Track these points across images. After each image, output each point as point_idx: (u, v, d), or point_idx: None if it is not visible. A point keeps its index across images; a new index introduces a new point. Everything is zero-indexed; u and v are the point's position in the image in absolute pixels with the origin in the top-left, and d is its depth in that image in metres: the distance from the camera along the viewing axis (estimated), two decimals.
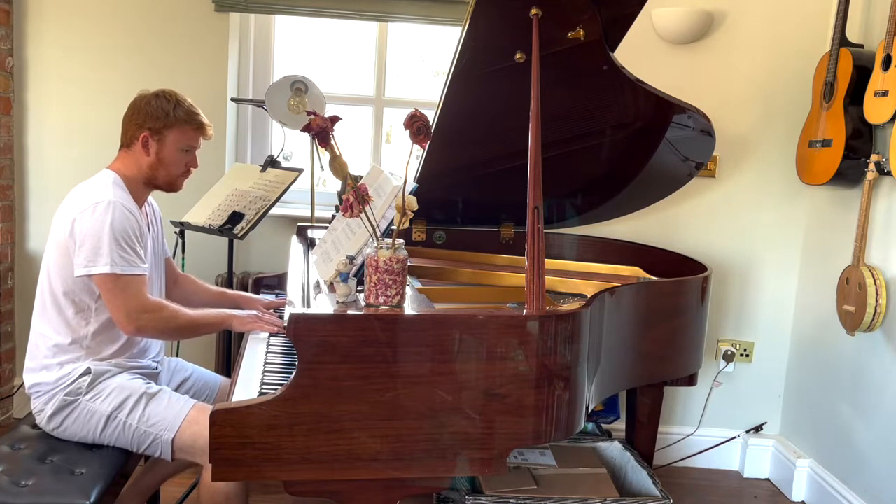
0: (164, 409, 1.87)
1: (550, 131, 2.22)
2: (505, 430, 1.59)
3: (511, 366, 1.57)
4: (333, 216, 2.41)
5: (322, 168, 2.90)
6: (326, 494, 1.61)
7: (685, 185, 2.77)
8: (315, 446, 1.52)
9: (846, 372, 2.73)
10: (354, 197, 1.58)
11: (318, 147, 2.03)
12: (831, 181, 2.64)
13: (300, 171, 2.74)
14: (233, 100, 3.03)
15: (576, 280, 2.32)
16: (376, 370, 1.52)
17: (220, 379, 2.25)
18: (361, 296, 1.66)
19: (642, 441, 2.64)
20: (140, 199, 2.00)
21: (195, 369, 2.24)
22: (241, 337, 2.23)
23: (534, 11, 1.83)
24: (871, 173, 2.46)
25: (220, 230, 2.58)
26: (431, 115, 2.17)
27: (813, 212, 3.03)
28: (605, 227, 3.01)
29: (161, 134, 1.96)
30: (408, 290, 1.69)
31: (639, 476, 2.42)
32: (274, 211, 2.68)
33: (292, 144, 3.00)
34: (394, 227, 1.62)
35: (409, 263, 1.64)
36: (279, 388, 1.53)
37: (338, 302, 1.64)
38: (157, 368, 2.08)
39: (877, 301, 2.44)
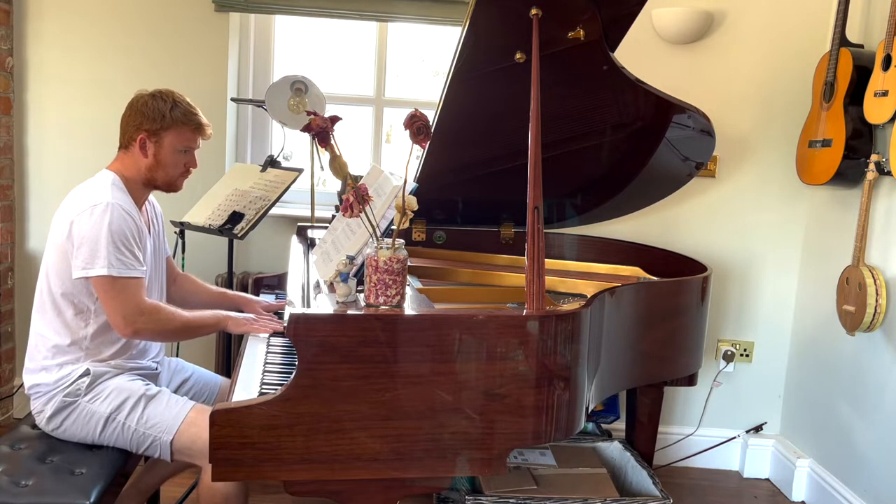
0: (163, 410, 1.86)
1: (550, 131, 2.22)
2: (505, 430, 1.59)
3: (511, 366, 1.57)
4: (333, 216, 2.41)
5: (322, 168, 2.91)
6: (326, 494, 1.61)
7: (685, 185, 2.78)
8: (315, 446, 1.52)
9: (846, 372, 2.73)
10: (354, 197, 1.58)
11: (318, 147, 2.03)
12: (831, 181, 2.64)
13: (300, 171, 2.74)
14: (233, 100, 3.03)
15: (576, 280, 2.32)
16: (376, 370, 1.52)
17: (221, 379, 2.25)
18: (361, 296, 1.66)
19: (642, 441, 2.64)
20: (140, 200, 2.00)
21: (195, 370, 2.23)
22: (241, 337, 2.23)
23: (534, 11, 1.83)
24: (871, 173, 2.46)
25: (220, 230, 2.58)
26: (431, 115, 2.17)
27: (813, 212, 3.02)
28: (605, 227, 3.01)
29: (158, 136, 1.94)
30: (408, 290, 1.69)
31: (639, 476, 2.42)
32: (274, 211, 2.68)
33: (292, 144, 3.00)
34: (394, 227, 1.62)
35: (409, 263, 1.64)
36: (279, 388, 1.53)
37: (338, 302, 1.64)
38: (156, 369, 2.08)
39: (877, 301, 2.44)
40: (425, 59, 3.34)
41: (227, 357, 2.80)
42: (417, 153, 2.42)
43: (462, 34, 2.01)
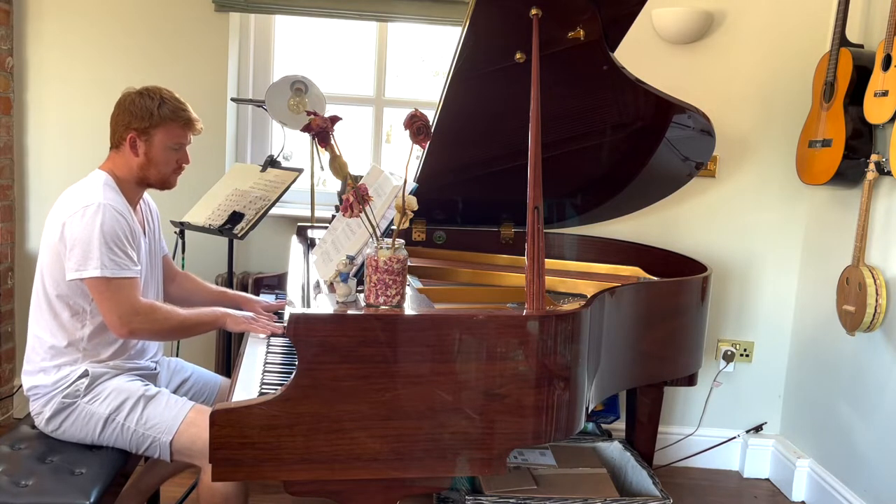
0: (163, 411, 1.86)
1: (550, 131, 2.22)
2: (505, 430, 1.59)
3: (511, 366, 1.57)
4: (333, 216, 2.41)
5: (322, 168, 2.91)
6: (326, 494, 1.61)
7: (685, 185, 2.78)
8: (315, 446, 1.52)
9: (846, 372, 2.73)
10: (354, 197, 1.58)
11: (318, 147, 2.03)
12: (831, 181, 2.64)
13: (300, 171, 2.74)
14: (233, 100, 3.03)
15: (576, 280, 2.32)
16: (376, 370, 1.52)
17: (220, 379, 2.25)
18: (361, 296, 1.66)
19: (642, 441, 2.64)
20: (133, 199, 1.99)
21: (195, 370, 2.23)
22: (241, 337, 2.23)
23: (534, 11, 1.83)
24: (871, 173, 2.46)
25: (220, 230, 2.58)
26: (431, 115, 2.17)
27: (813, 212, 3.02)
28: (605, 227, 3.01)
29: (148, 134, 1.93)
30: (408, 290, 1.69)
31: (639, 476, 2.42)
32: (274, 211, 2.68)
33: (292, 144, 3.00)
34: (394, 227, 1.62)
35: (409, 263, 1.64)
36: (279, 388, 1.53)
37: (338, 302, 1.64)
38: (155, 369, 2.08)
39: (877, 301, 2.44)
40: (425, 59, 3.34)
41: (227, 357, 2.80)
42: (417, 153, 2.42)
43: (462, 34, 2.01)
